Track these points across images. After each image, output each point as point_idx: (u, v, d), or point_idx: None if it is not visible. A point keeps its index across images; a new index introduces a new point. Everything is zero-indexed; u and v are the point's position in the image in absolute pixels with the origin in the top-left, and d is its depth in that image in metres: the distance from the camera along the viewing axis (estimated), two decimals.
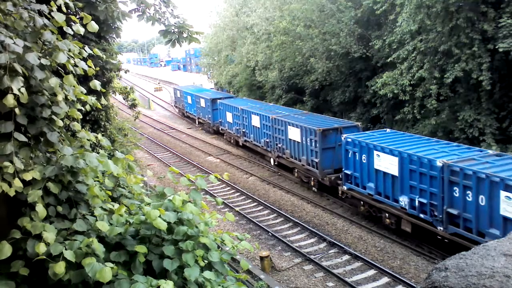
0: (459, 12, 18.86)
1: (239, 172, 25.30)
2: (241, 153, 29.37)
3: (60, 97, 3.47)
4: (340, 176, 18.55)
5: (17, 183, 3.01)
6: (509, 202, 11.39)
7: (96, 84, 4.02)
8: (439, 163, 13.19)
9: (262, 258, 14.29)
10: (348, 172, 17.53)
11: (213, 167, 26.50)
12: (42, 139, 3.47)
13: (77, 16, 3.96)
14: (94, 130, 10.30)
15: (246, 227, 17.94)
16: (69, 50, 3.51)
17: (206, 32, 45.43)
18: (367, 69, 27.33)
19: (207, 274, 3.50)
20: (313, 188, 21.09)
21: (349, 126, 20.18)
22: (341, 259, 14.94)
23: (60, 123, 3.55)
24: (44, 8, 3.47)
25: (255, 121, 26.12)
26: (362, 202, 17.20)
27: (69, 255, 3.08)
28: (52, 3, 3.55)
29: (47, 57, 3.36)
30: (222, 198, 19.13)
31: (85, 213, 3.68)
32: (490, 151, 14.34)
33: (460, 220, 12.84)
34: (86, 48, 3.87)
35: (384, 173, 15.51)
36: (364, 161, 16.54)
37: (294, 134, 21.66)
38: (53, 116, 3.45)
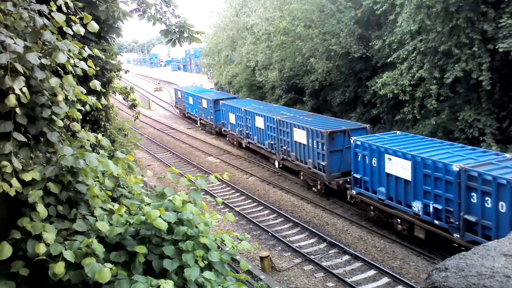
0: (459, 12, 18.87)
1: (239, 172, 25.30)
2: (241, 153, 29.37)
3: (60, 97, 3.47)
4: (348, 179, 18.10)
5: (14, 183, 3.01)
6: None
7: (96, 84, 4.02)
8: (455, 167, 12.65)
9: (262, 258, 14.29)
10: (358, 176, 17.00)
11: (213, 167, 26.51)
12: (42, 139, 3.47)
13: (77, 16, 3.96)
14: (94, 130, 10.29)
15: (246, 227, 17.94)
16: (69, 50, 3.51)
17: (206, 32, 45.43)
18: (367, 69, 27.33)
19: (207, 274, 3.50)
20: (314, 188, 21.07)
21: (357, 128, 19.62)
22: (341, 259, 14.94)
23: (60, 123, 3.55)
24: (44, 8, 3.47)
25: (259, 122, 25.63)
26: (372, 207, 16.69)
27: (69, 255, 3.08)
28: (52, 3, 3.55)
29: (47, 57, 3.36)
30: (222, 198, 19.16)
31: (85, 213, 3.68)
32: (508, 155, 13.70)
33: (478, 228, 12.28)
34: (86, 48, 3.87)
35: (396, 177, 14.99)
36: (375, 165, 15.99)
37: (299, 136, 21.15)
38: (53, 116, 3.45)
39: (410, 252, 14.91)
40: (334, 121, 21.95)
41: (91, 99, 4.20)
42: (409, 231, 14.93)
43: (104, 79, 10.65)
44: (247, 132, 27.75)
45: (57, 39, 3.47)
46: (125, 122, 19.50)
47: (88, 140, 4.10)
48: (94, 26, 3.88)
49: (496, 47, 17.80)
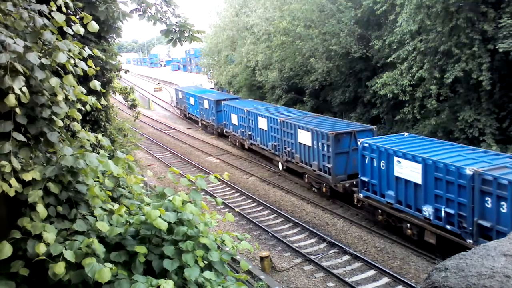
0: (459, 12, 18.87)
1: (239, 172, 25.30)
2: (241, 154, 29.36)
3: (60, 97, 3.47)
4: (355, 182, 17.76)
5: (14, 183, 3.01)
6: None
7: (96, 84, 4.01)
8: (468, 171, 12.23)
9: (262, 259, 14.29)
10: (365, 179, 16.57)
11: (213, 167, 26.51)
12: (42, 139, 3.47)
13: (77, 16, 3.96)
14: (94, 130, 10.30)
15: (246, 227, 17.94)
16: (69, 50, 3.51)
17: (206, 32, 45.46)
18: (367, 69, 27.35)
19: (207, 274, 3.50)
20: (314, 189, 21.05)
21: (363, 129, 19.18)
22: (341, 259, 14.94)
23: (60, 123, 3.55)
24: (44, 8, 3.47)
25: (262, 123, 25.17)
26: (380, 211, 16.25)
27: (69, 255, 3.08)
28: (52, 3, 3.55)
29: (47, 57, 3.36)
30: (222, 199, 19.17)
31: (85, 213, 3.68)
32: None
33: (493, 233, 11.87)
34: (86, 48, 3.87)
35: (406, 180, 14.57)
36: (383, 168, 15.55)
37: (304, 137, 20.73)
38: (53, 116, 3.45)
39: (410, 252, 14.91)
40: (340, 122, 21.50)
41: (91, 99, 4.20)
42: (419, 236, 14.54)
43: (104, 79, 10.66)
44: (249, 133, 27.29)
45: (57, 39, 3.47)
46: (125, 122, 19.51)
47: (88, 140, 4.10)
48: (94, 26, 3.88)
49: (496, 47, 17.81)
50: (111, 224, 3.57)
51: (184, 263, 3.46)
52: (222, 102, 32.30)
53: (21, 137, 3.12)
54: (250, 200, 21.02)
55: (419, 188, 14.14)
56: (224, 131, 32.37)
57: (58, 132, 3.55)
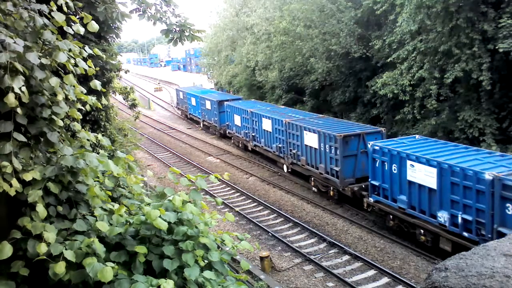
0: (459, 12, 18.87)
1: (239, 172, 25.30)
2: (241, 154, 29.36)
3: (60, 97, 3.47)
4: (363, 186, 17.41)
5: (15, 183, 3.01)
6: None
7: (96, 84, 4.01)
8: (488, 176, 11.76)
9: (262, 258, 14.30)
10: (376, 183, 16.09)
11: (213, 167, 26.51)
12: (42, 139, 3.47)
13: (77, 16, 3.96)
14: (94, 130, 10.29)
15: (246, 227, 17.94)
16: (70, 50, 3.51)
17: (206, 32, 45.45)
18: (367, 69, 27.34)
19: (207, 274, 3.50)
20: (314, 188, 21.05)
21: (372, 131, 18.76)
22: (341, 259, 14.94)
23: (60, 123, 3.55)
24: (44, 8, 3.47)
25: (266, 125, 24.74)
26: (391, 216, 15.76)
27: (69, 255, 3.08)
28: (52, 3, 3.55)
29: (47, 56, 3.36)
30: (222, 198, 19.18)
31: (85, 213, 3.68)
32: None
33: None
34: (86, 48, 3.87)
35: (420, 185, 14.09)
36: (395, 172, 15.05)
37: (310, 139, 20.26)
38: (53, 116, 3.44)
39: (410, 252, 14.91)
40: (347, 124, 21.05)
41: (91, 99, 4.20)
42: (434, 242, 14.06)
43: (104, 79, 10.65)
44: (253, 134, 26.91)
45: (57, 38, 3.47)
46: (125, 122, 19.50)
47: (88, 140, 4.10)
48: (94, 26, 3.88)
49: (496, 47, 17.80)
50: (111, 224, 3.56)
51: (184, 263, 3.46)
52: (225, 103, 31.84)
53: (21, 137, 3.12)
54: (250, 200, 21.02)
55: (433, 193, 13.65)
56: (227, 132, 31.88)
57: (58, 132, 3.54)
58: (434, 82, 20.84)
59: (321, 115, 24.61)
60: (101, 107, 5.59)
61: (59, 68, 3.60)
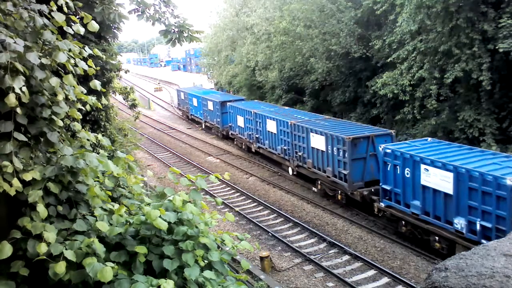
0: (459, 12, 18.88)
1: (239, 172, 25.30)
2: (241, 153, 29.37)
3: (60, 97, 3.47)
4: (373, 190, 16.88)
5: (15, 182, 3.01)
6: None
7: (96, 84, 4.01)
8: (509, 181, 11.27)
9: (262, 258, 14.30)
10: (387, 187, 15.53)
11: (213, 167, 26.51)
12: (42, 139, 3.47)
13: (77, 16, 3.96)
14: (94, 130, 10.30)
15: (246, 227, 17.94)
16: (70, 50, 3.51)
17: (206, 32, 45.51)
18: (367, 69, 27.36)
19: (207, 273, 3.50)
20: (314, 188, 21.05)
21: (381, 134, 18.17)
22: (341, 259, 14.94)
23: (60, 123, 3.55)
24: (44, 8, 3.47)
25: (271, 126, 24.18)
26: (403, 222, 15.24)
27: (69, 255, 3.08)
28: (52, 3, 3.55)
29: (47, 57, 3.36)
30: (222, 198, 19.18)
31: (85, 213, 3.68)
32: None
33: None
34: (86, 48, 3.87)
35: (434, 190, 13.55)
36: (408, 176, 14.51)
37: (317, 142, 19.71)
38: (53, 116, 3.44)
39: (410, 252, 14.91)
40: (355, 126, 20.43)
41: (91, 99, 4.20)
42: (449, 250, 13.51)
43: (104, 79, 10.66)
44: (257, 136, 26.31)
45: (57, 39, 3.47)
46: (125, 122, 19.51)
47: (88, 140, 4.10)
48: (94, 26, 3.88)
49: (496, 47, 17.81)
50: (111, 224, 3.57)
51: (184, 263, 3.46)
52: (228, 103, 31.31)
53: (22, 137, 3.12)
54: (250, 200, 21.02)
55: (449, 199, 13.13)
56: (230, 133, 31.38)
57: (58, 132, 3.55)
58: (434, 82, 20.85)
59: (327, 117, 24.20)
60: (101, 107, 5.59)
61: (59, 68, 3.60)
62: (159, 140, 35.14)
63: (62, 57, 3.36)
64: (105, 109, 11.15)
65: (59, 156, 3.53)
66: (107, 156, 3.91)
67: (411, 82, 21.82)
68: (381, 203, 16.02)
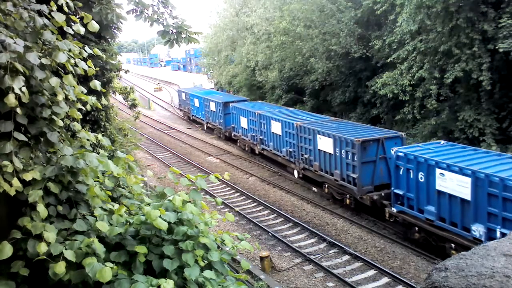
0: (459, 12, 18.88)
1: (239, 172, 25.30)
2: (241, 153, 29.37)
3: (60, 97, 3.47)
4: (383, 194, 16.40)
5: (15, 182, 3.01)
6: None
7: (96, 84, 4.01)
8: None
9: (262, 258, 14.30)
10: (399, 192, 14.97)
11: (213, 167, 26.51)
12: (42, 139, 3.47)
13: (77, 16, 3.96)
14: (94, 130, 10.30)
15: (246, 227, 17.94)
16: (69, 50, 3.51)
17: (206, 32, 45.55)
18: (367, 69, 27.37)
19: (207, 273, 3.50)
20: (314, 189, 21.03)
21: (392, 136, 17.70)
22: (341, 259, 14.94)
23: (60, 123, 3.55)
24: (44, 8, 3.47)
25: (276, 127, 23.63)
26: (417, 228, 14.69)
27: (69, 255, 3.08)
28: (52, 3, 3.55)
29: (47, 57, 3.36)
30: (222, 198, 19.18)
31: (85, 213, 3.68)
32: None
33: None
34: (86, 48, 3.87)
35: (450, 195, 13.00)
36: (422, 180, 13.96)
37: (325, 144, 19.18)
38: (53, 116, 3.45)
39: (410, 252, 14.91)
40: (364, 128, 19.85)
41: (91, 99, 4.20)
42: None
43: (104, 79, 10.66)
44: (261, 137, 25.77)
45: (57, 39, 3.47)
46: (125, 122, 19.52)
47: (88, 140, 4.10)
48: (94, 26, 3.88)
49: (496, 47, 17.82)
50: (111, 224, 3.57)
51: (184, 263, 3.46)
52: (230, 104, 30.74)
53: (22, 137, 3.12)
54: (250, 200, 21.03)
55: (467, 205, 12.58)
56: (232, 134, 30.81)
57: (58, 132, 3.55)
58: (434, 82, 20.85)
59: (334, 118, 23.82)
60: (101, 107, 5.59)
61: (59, 68, 3.60)
62: (159, 140, 35.14)
63: (62, 57, 3.36)
64: (105, 109, 11.14)
65: (59, 156, 3.53)
66: (107, 156, 3.91)
67: (411, 82, 21.83)
68: (393, 208, 15.48)
